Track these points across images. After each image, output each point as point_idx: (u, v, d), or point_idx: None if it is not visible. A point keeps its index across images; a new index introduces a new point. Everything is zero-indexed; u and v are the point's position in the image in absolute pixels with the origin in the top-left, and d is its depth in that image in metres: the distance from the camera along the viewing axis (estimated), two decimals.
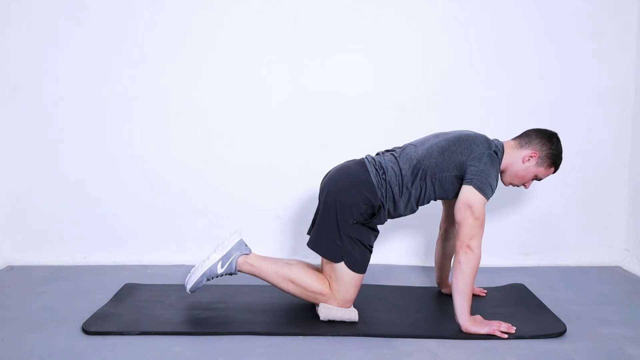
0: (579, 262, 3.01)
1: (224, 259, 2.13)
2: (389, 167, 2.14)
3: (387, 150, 2.26)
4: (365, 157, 2.22)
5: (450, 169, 2.12)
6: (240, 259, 2.14)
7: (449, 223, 2.45)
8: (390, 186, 2.12)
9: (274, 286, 2.19)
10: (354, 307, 2.19)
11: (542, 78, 2.96)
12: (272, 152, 2.96)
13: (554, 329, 2.09)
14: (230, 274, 2.15)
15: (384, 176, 2.12)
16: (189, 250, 2.91)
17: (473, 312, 2.09)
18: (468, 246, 2.02)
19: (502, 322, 2.06)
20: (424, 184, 2.14)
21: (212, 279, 2.14)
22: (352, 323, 2.13)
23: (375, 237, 2.19)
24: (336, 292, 2.14)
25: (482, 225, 2.05)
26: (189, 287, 2.14)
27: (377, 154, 2.25)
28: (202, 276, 2.12)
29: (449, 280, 2.49)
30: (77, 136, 2.92)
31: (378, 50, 2.95)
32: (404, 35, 2.93)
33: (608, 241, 3.05)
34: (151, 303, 2.33)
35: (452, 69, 2.96)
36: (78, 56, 2.88)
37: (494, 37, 2.94)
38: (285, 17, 2.91)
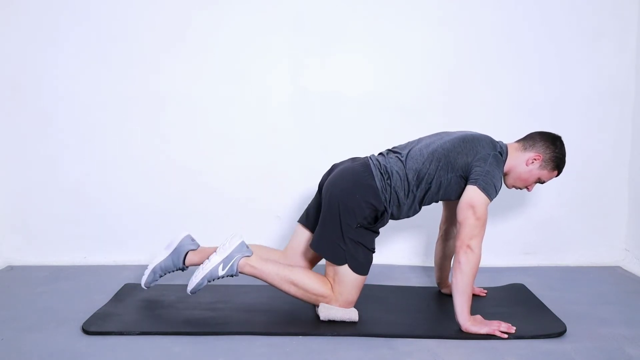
0: (579, 262, 3.01)
1: (225, 261, 2.13)
2: (394, 172, 2.13)
3: (391, 151, 2.25)
4: (370, 158, 2.20)
5: (456, 169, 2.12)
6: (242, 261, 2.14)
7: (450, 223, 2.45)
8: (396, 191, 2.12)
9: (275, 288, 2.19)
10: (354, 307, 2.19)
11: (542, 78, 2.96)
12: (272, 152, 2.96)
13: (554, 329, 2.09)
14: (232, 276, 2.15)
15: (388, 181, 2.12)
16: None
17: (473, 312, 2.09)
18: (468, 246, 2.02)
19: (502, 322, 2.06)
20: (429, 186, 2.14)
21: (214, 280, 2.14)
22: (352, 323, 2.13)
23: (376, 237, 2.20)
24: (338, 294, 2.14)
25: (483, 226, 2.05)
26: (189, 288, 2.14)
27: (381, 154, 2.25)
28: (203, 278, 2.11)
29: (449, 280, 2.49)
30: (77, 136, 2.92)
31: (378, 50, 2.95)
32: (404, 35, 2.93)
33: (608, 241, 3.05)
34: (151, 303, 2.33)
35: (452, 69, 2.96)
36: (78, 56, 2.88)
37: (494, 37, 2.94)
38: (285, 17, 2.91)
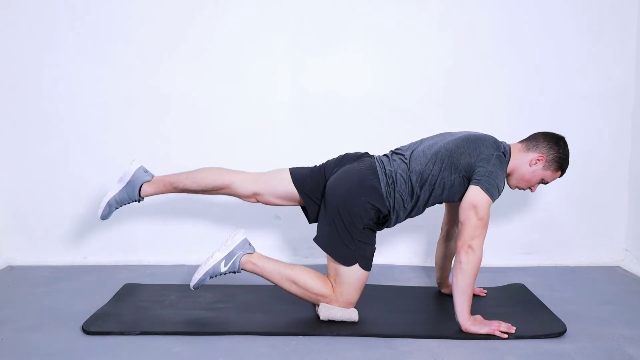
0: (579, 262, 3.01)
1: (227, 257, 2.13)
2: (399, 175, 2.13)
3: (395, 152, 2.25)
4: (376, 160, 2.20)
5: (459, 170, 2.11)
6: (244, 258, 2.15)
7: (451, 224, 2.45)
8: (401, 195, 2.13)
9: (276, 286, 2.19)
10: (354, 307, 2.19)
11: (542, 78, 2.96)
12: (273, 152, 2.96)
13: (554, 329, 2.09)
14: (234, 273, 2.15)
15: (393, 186, 2.12)
16: (189, 250, 2.91)
17: (473, 312, 2.09)
18: (470, 246, 2.02)
19: (502, 322, 2.06)
20: (432, 188, 2.14)
21: (215, 277, 2.15)
22: (352, 323, 2.13)
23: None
24: (339, 294, 2.14)
25: (485, 226, 2.05)
26: (192, 284, 2.14)
27: (385, 156, 2.25)
28: (205, 274, 2.12)
29: (450, 280, 2.50)
30: (77, 136, 2.92)
31: (378, 50, 2.95)
32: (404, 35, 2.93)
33: (608, 241, 3.05)
34: (151, 303, 2.33)
35: (452, 69, 2.95)
36: (78, 56, 2.88)
37: (493, 37, 2.94)
38: (286, 17, 2.91)
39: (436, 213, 2.56)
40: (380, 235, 2.24)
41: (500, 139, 2.24)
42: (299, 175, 2.29)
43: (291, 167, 2.35)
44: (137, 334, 2.02)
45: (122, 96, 2.91)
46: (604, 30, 2.94)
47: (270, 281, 2.18)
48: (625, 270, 2.93)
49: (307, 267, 2.22)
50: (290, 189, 2.29)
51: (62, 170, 2.93)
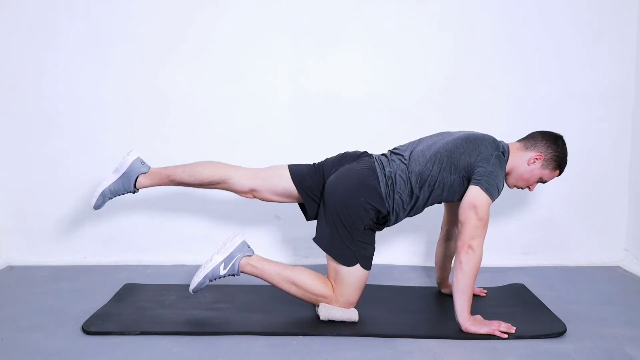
0: (579, 262, 3.01)
1: (227, 260, 2.13)
2: (398, 176, 2.13)
3: (394, 152, 2.25)
4: (375, 160, 2.20)
5: (459, 170, 2.11)
6: (243, 261, 2.14)
7: (451, 224, 2.45)
8: (400, 197, 2.13)
9: (276, 288, 2.19)
10: (354, 307, 2.19)
11: (542, 78, 2.96)
12: (273, 152, 2.95)
13: (554, 329, 2.09)
14: (233, 275, 2.15)
15: (392, 187, 2.13)
16: (189, 250, 2.91)
17: (473, 312, 2.09)
18: (469, 246, 2.02)
19: (502, 322, 2.06)
20: (432, 188, 2.14)
21: (215, 280, 2.14)
22: (352, 323, 2.13)
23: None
24: (339, 295, 2.14)
25: (485, 226, 2.05)
26: (191, 287, 2.14)
27: (384, 156, 2.25)
28: (204, 278, 2.12)
29: (450, 280, 2.50)
30: (77, 136, 2.92)
31: (378, 50, 2.95)
32: (404, 35, 2.93)
33: (608, 241, 3.05)
34: (151, 303, 2.33)
35: (452, 69, 2.95)
36: (78, 56, 2.88)
37: (493, 37, 2.94)
38: (286, 17, 2.91)
39: (436, 213, 2.56)
40: (380, 235, 2.24)
41: (500, 139, 2.24)
42: (298, 173, 2.29)
43: (290, 163, 2.34)
44: (137, 334, 2.02)
45: (122, 96, 2.91)
46: (604, 30, 2.94)
47: (270, 283, 2.18)
48: (625, 270, 2.93)
49: (306, 268, 2.22)
50: (289, 186, 2.28)
51: (62, 170, 2.93)
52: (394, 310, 2.29)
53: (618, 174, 3.03)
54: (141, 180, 2.31)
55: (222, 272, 2.12)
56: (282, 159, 2.97)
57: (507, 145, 2.21)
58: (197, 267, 2.19)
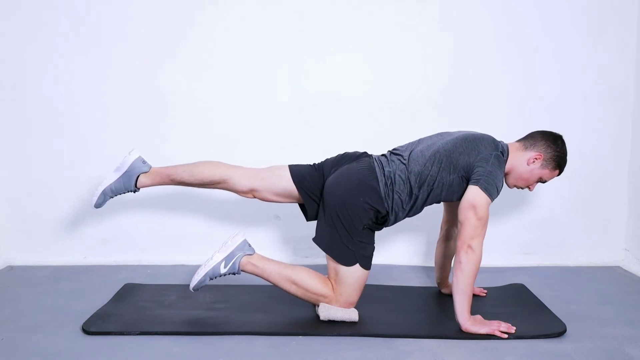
0: (579, 262, 3.01)
1: (227, 259, 2.13)
2: (397, 176, 2.13)
3: (393, 153, 2.25)
4: (374, 161, 2.20)
5: (458, 170, 2.11)
6: (244, 260, 2.15)
7: (450, 224, 2.45)
8: (400, 197, 2.13)
9: (276, 287, 2.19)
10: (354, 307, 2.19)
11: (542, 78, 2.96)
12: (273, 152, 2.95)
13: (554, 329, 2.09)
14: (233, 274, 2.15)
15: (392, 187, 2.13)
16: (189, 250, 2.91)
17: (473, 312, 2.09)
18: (469, 246, 2.02)
19: (502, 322, 2.06)
20: (431, 188, 2.14)
21: (215, 278, 2.14)
22: (352, 323, 2.13)
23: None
24: (339, 294, 2.14)
25: (484, 226, 2.05)
26: (192, 285, 2.14)
27: (384, 156, 2.25)
28: (205, 276, 2.12)
29: (450, 280, 2.50)
30: (77, 136, 2.92)
31: (378, 50, 2.95)
32: (404, 35, 2.93)
33: (608, 241, 3.05)
34: (151, 303, 2.33)
35: (452, 69, 2.95)
36: (78, 56, 2.88)
37: (493, 37, 2.94)
38: (286, 17, 2.91)
39: (435, 213, 2.56)
40: (379, 235, 2.25)
41: (499, 139, 2.24)
42: (298, 173, 2.29)
43: (290, 164, 2.34)
44: (137, 334, 2.02)
45: (122, 96, 2.91)
46: (604, 30, 2.94)
47: (270, 282, 2.18)
48: (625, 270, 2.93)
49: (307, 268, 2.22)
50: (289, 185, 2.28)
51: (62, 170, 2.93)
52: (394, 310, 2.29)
53: (618, 174, 3.03)
54: (142, 179, 2.31)
55: (223, 270, 2.12)
56: (282, 159, 2.97)
57: (507, 145, 2.21)
58: (197, 267, 2.19)
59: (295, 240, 3.00)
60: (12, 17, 2.84)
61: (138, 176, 2.31)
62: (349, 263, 2.11)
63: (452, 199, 2.18)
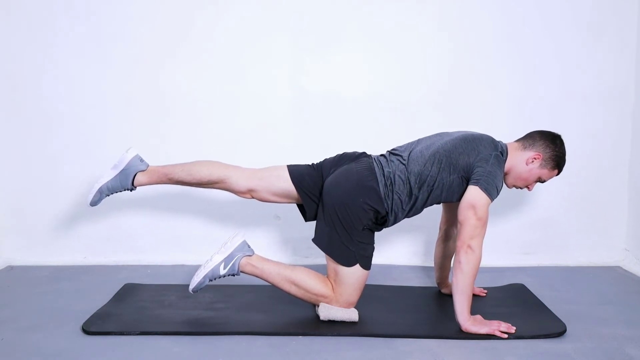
0: (579, 262, 3.01)
1: (227, 260, 2.13)
2: (397, 177, 2.13)
3: (392, 153, 2.25)
4: (374, 161, 2.20)
5: (457, 170, 2.11)
6: (243, 261, 2.14)
7: (450, 224, 2.45)
8: (399, 197, 2.13)
9: (276, 287, 2.19)
10: (354, 307, 2.19)
11: (542, 78, 2.96)
12: (273, 152, 2.95)
13: (554, 329, 2.09)
14: (233, 275, 2.15)
15: (391, 187, 2.12)
16: (189, 250, 2.91)
17: (473, 312, 2.09)
18: (469, 246, 2.02)
19: (502, 322, 2.06)
20: (431, 189, 2.14)
21: (215, 279, 2.14)
22: (352, 323, 2.13)
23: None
24: (339, 294, 2.14)
25: (484, 226, 2.05)
26: (191, 287, 2.14)
27: (383, 156, 2.25)
28: (204, 277, 2.12)
29: (449, 280, 2.50)
30: (77, 136, 2.92)
31: (378, 51, 2.95)
32: (404, 35, 2.93)
33: (608, 241, 3.05)
34: (151, 303, 2.33)
35: (452, 69, 2.96)
36: (78, 56, 2.88)
37: (493, 37, 2.94)
38: (286, 17, 2.91)
39: (435, 213, 2.56)
40: (379, 235, 2.24)
41: (499, 139, 2.24)
42: (297, 173, 2.28)
43: (289, 164, 2.34)
44: (137, 334, 2.02)
45: (122, 96, 2.91)
46: (604, 30, 2.94)
47: (270, 283, 2.18)
48: (625, 270, 2.93)
49: (306, 268, 2.22)
50: (288, 186, 2.27)
51: (62, 170, 2.93)
52: (394, 310, 2.29)
53: (618, 174, 3.03)
54: (139, 178, 2.30)
55: (222, 271, 2.12)
56: (282, 159, 2.97)
57: (506, 145, 2.21)
58: (197, 267, 2.19)
59: (295, 241, 3.00)
60: (12, 17, 2.84)
61: (135, 174, 2.30)
62: (349, 263, 2.11)
63: (452, 200, 2.18)
